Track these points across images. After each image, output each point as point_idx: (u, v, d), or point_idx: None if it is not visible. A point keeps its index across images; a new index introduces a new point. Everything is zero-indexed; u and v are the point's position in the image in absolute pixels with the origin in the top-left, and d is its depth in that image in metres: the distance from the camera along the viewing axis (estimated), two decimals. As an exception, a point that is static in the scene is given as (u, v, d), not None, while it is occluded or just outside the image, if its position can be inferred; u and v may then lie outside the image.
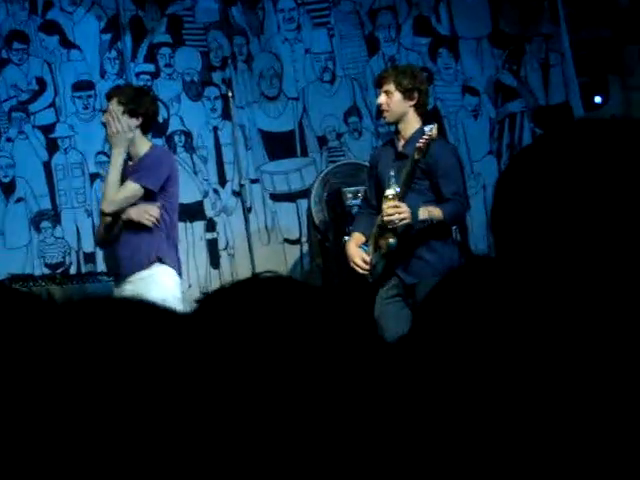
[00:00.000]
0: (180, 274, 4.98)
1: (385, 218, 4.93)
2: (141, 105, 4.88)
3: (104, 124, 4.97)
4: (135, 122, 4.88)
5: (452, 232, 5.27)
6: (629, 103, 7.68)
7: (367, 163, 5.86)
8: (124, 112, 4.84)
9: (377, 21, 7.08)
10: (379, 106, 5.22)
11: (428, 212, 4.91)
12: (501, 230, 1.09)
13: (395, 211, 4.89)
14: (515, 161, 1.11)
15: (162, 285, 4.78)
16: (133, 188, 4.84)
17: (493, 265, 1.07)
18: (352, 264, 5.16)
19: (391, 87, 5.10)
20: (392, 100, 5.10)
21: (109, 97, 4.98)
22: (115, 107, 4.86)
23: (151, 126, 5.09)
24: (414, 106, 5.12)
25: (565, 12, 7.33)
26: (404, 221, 4.89)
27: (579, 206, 1.03)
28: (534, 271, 1.04)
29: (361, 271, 5.12)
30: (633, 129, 1.07)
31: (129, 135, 4.85)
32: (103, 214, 4.91)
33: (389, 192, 4.94)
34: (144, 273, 4.81)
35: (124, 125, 4.83)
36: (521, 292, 1.02)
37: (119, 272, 4.93)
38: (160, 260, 4.82)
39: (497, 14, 7.27)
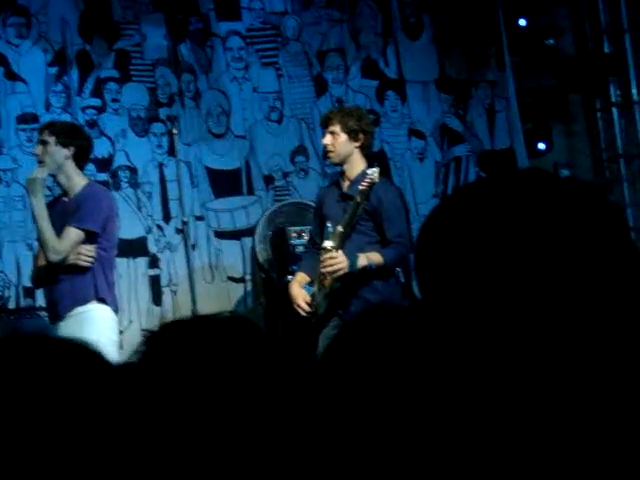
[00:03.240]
0: (117, 312, 4.99)
1: (322, 270, 4.98)
2: (73, 136, 4.94)
3: (36, 155, 5.00)
4: (67, 152, 4.91)
5: (395, 272, 5.29)
6: (572, 150, 7.82)
7: (313, 203, 5.88)
8: (56, 142, 4.87)
9: (325, 62, 7.13)
10: (325, 146, 5.25)
11: (367, 259, 4.96)
12: (425, 273, 1.11)
13: (331, 262, 4.93)
14: (438, 210, 1.15)
15: (98, 323, 4.79)
16: (76, 234, 4.86)
17: (396, 311, 1.11)
18: (295, 306, 5.16)
19: (337, 128, 5.13)
20: (337, 141, 5.13)
21: (41, 130, 5.05)
22: (47, 137, 4.89)
23: (85, 161, 5.11)
24: (359, 147, 5.16)
25: (511, 59, 7.46)
26: (341, 272, 4.93)
27: (496, 253, 1.07)
28: (455, 314, 1.06)
29: (303, 313, 5.13)
30: (550, 186, 1.11)
31: (43, 175, 4.90)
32: (50, 263, 4.88)
33: (327, 244, 4.99)
34: (80, 310, 4.82)
35: (56, 156, 4.86)
36: (443, 334, 1.05)
37: (56, 309, 4.91)
38: (98, 299, 4.83)
39: (444, 59, 7.37)
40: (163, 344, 1.14)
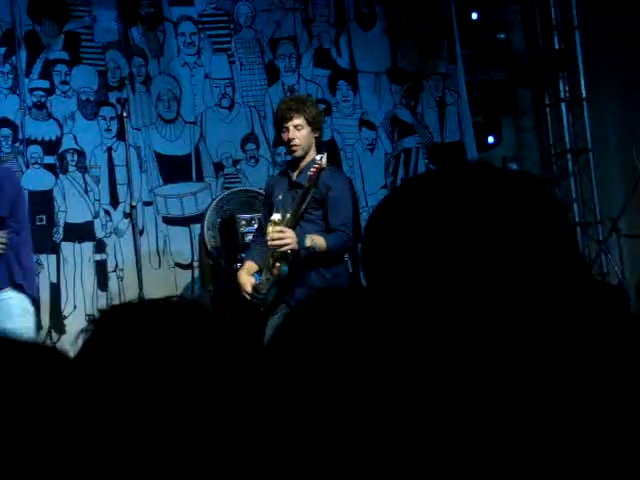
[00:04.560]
0: (33, 298, 4.83)
1: (269, 243, 4.91)
2: None
3: None
4: None
5: (344, 261, 5.28)
6: (521, 144, 7.89)
7: (262, 191, 5.85)
8: None
9: (278, 50, 7.11)
10: (290, 141, 5.03)
11: (312, 240, 4.90)
12: (372, 262, 1.13)
13: (280, 236, 4.87)
14: (386, 200, 1.17)
15: (12, 311, 4.66)
16: None
17: (340, 295, 1.13)
18: (244, 293, 5.12)
19: (302, 121, 5.02)
20: (302, 134, 5.03)
21: None
22: None
23: None
24: (316, 138, 5.12)
25: (462, 52, 7.50)
26: (288, 247, 4.88)
27: (441, 244, 1.10)
28: (401, 299, 1.08)
29: (253, 300, 5.10)
30: (496, 179, 1.14)
31: None
32: None
33: (275, 216, 4.93)
34: None
35: None
36: (390, 317, 1.06)
37: None
38: (15, 286, 4.71)
39: (396, 50, 7.39)
40: (111, 326, 1.13)
